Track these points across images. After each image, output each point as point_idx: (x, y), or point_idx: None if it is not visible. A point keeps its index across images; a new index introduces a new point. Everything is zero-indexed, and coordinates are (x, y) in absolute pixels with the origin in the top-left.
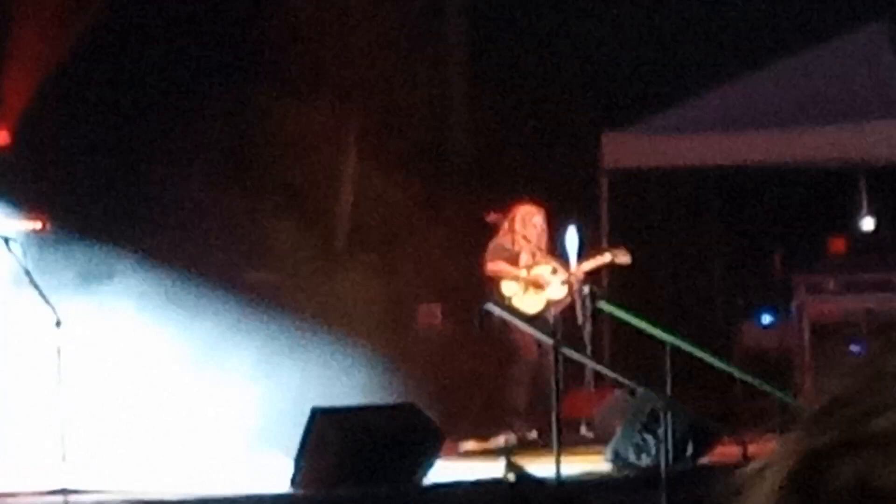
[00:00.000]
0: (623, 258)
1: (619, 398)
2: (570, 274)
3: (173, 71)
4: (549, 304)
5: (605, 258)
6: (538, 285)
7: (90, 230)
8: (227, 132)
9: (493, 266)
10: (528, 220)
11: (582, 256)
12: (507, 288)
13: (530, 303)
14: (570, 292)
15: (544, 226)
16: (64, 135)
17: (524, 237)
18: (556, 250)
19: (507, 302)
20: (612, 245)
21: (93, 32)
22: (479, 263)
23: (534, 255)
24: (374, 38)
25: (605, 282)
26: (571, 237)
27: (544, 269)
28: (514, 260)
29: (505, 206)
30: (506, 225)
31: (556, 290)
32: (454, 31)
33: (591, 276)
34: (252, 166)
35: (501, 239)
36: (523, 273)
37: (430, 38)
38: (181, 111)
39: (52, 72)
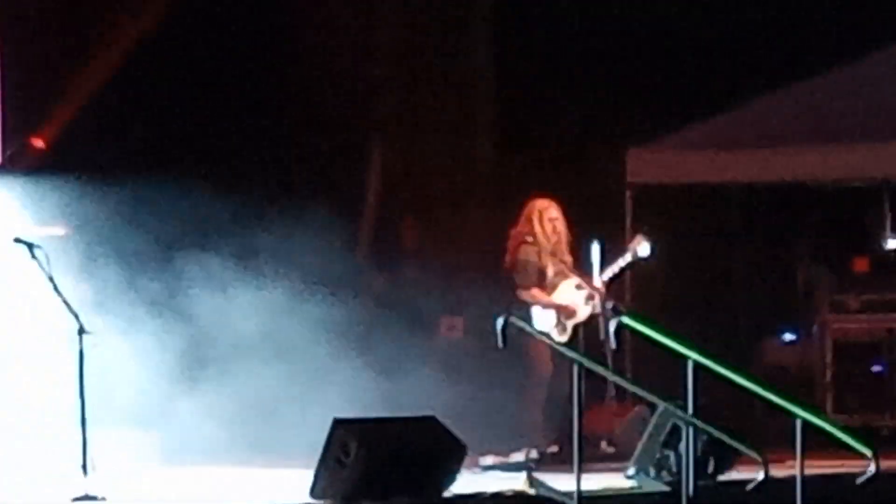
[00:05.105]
0: (643, 250)
1: (641, 414)
2: (593, 288)
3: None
4: (577, 328)
5: (625, 259)
6: (570, 314)
7: (114, 239)
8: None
9: (526, 294)
10: (545, 215)
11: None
12: (540, 318)
13: (562, 333)
14: (594, 308)
15: (562, 219)
16: (95, 147)
17: (540, 233)
18: (579, 264)
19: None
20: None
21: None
22: (505, 275)
23: (554, 255)
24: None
25: (627, 296)
26: (595, 253)
27: (569, 286)
28: (541, 276)
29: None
30: (522, 229)
31: (583, 311)
32: (480, 44)
33: (613, 284)
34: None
35: (523, 251)
36: (555, 299)
37: (455, 52)
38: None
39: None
